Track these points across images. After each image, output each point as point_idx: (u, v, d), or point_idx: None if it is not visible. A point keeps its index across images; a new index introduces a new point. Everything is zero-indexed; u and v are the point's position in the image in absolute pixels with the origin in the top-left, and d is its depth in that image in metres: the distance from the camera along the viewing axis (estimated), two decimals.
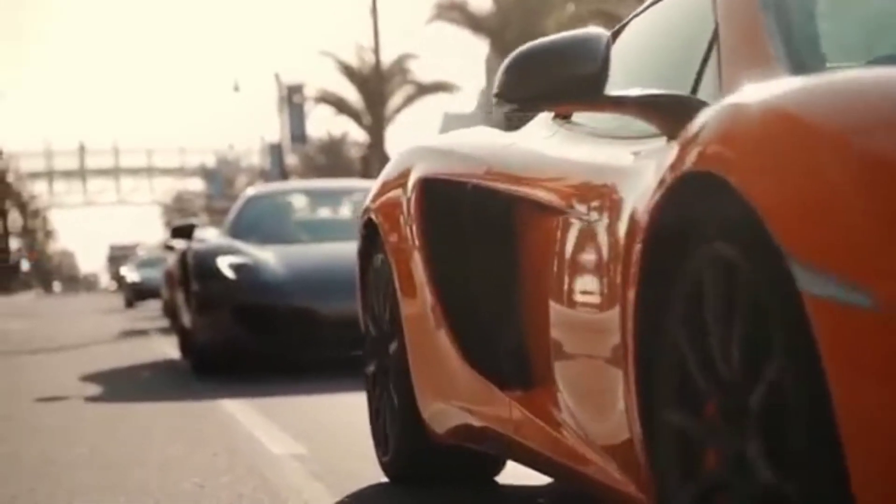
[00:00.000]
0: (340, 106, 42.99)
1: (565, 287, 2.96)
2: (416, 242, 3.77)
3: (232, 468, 4.79)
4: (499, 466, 4.08)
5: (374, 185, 4.34)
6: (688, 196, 2.24)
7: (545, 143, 3.46)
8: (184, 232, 10.72)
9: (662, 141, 2.69)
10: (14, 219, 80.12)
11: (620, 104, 2.82)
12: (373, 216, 4.18)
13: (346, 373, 8.82)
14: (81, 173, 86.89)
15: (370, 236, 4.25)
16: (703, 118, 2.22)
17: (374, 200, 4.21)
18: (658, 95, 2.78)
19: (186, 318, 10.34)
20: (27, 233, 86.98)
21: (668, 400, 2.32)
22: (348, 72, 42.43)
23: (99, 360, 11.60)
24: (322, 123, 60.94)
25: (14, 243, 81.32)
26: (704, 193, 2.15)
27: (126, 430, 6.29)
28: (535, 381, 3.20)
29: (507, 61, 2.93)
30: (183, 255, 10.82)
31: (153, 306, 29.63)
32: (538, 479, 3.79)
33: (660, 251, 2.35)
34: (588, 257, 2.87)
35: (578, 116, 3.45)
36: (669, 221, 2.31)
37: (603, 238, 2.75)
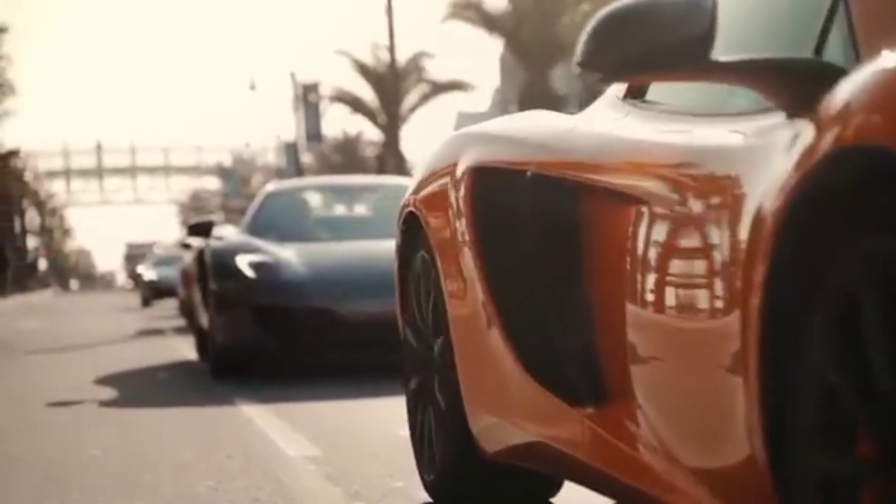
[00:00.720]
0: (355, 105, 43.00)
1: (649, 288, 2.57)
2: (467, 238, 3.36)
3: (246, 471, 4.76)
4: (555, 487, 3.67)
5: (415, 176, 3.95)
6: (838, 180, 1.88)
7: (618, 124, 3.04)
8: (201, 229, 10.41)
9: (778, 116, 2.28)
10: (31, 217, 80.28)
11: (732, 71, 2.37)
12: (415, 210, 3.75)
13: (363, 375, 8.82)
14: (98, 172, 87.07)
15: (411, 232, 3.84)
16: (850, 86, 1.86)
17: (416, 192, 3.79)
18: (783, 60, 2.34)
19: (204, 318, 10.10)
20: (44, 231, 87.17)
21: (807, 429, 1.95)
22: (363, 71, 42.44)
23: (114, 360, 11.59)
24: (337, 122, 60.99)
25: (31, 242, 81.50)
26: (860, 175, 1.82)
27: (139, 432, 6.26)
28: (608, 393, 2.79)
29: (592, 26, 2.50)
30: (200, 253, 10.59)
31: (169, 305, 29.63)
32: (601, 501, 3.32)
33: (798, 248, 1.96)
34: (683, 254, 2.48)
35: (654, 94, 3.07)
36: (811, 211, 1.93)
37: (709, 232, 2.34)
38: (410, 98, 41.51)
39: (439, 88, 41.65)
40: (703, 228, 2.38)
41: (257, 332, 8.79)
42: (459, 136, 3.69)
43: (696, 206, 2.44)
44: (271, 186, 11.63)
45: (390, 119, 39.96)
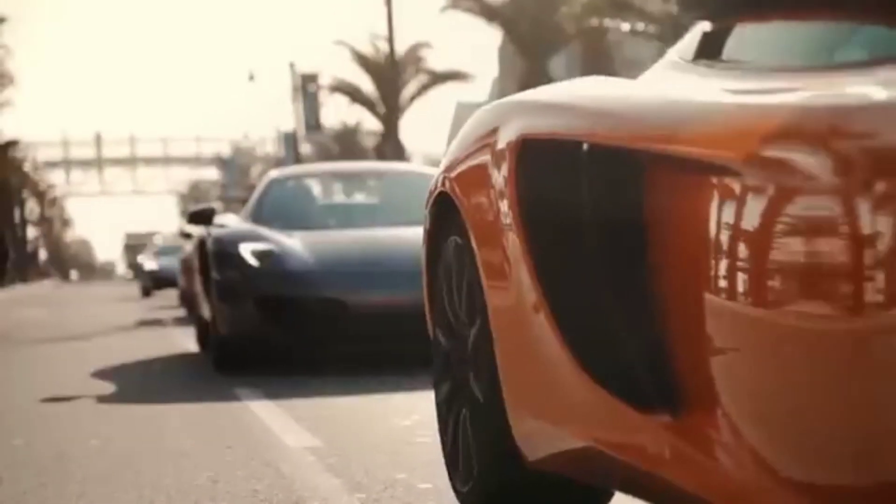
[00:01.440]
0: (354, 95, 42.99)
1: (740, 277, 2.15)
2: (511, 219, 2.90)
3: (246, 462, 4.74)
4: (606, 498, 3.26)
5: (448, 153, 3.45)
6: None
7: (694, 86, 2.60)
8: (202, 217, 10.02)
9: None
10: (31, 208, 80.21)
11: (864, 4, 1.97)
12: (448, 190, 3.32)
13: (364, 365, 8.80)
14: (98, 162, 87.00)
15: (443, 214, 3.39)
16: None
17: (449, 170, 3.35)
18: None
19: (205, 309, 9.81)
20: (44, 221, 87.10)
21: None
22: (362, 61, 42.43)
23: (113, 351, 11.57)
24: (336, 113, 60.92)
25: (31, 232, 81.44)
26: None
27: (139, 423, 6.24)
28: (684, 396, 2.34)
29: None
30: (201, 242, 10.26)
31: (169, 294, 29.62)
32: None
33: None
34: (787, 236, 2.04)
35: (734, 51, 2.68)
36: None
37: (823, 208, 1.93)
38: (409, 88, 41.46)
39: (438, 78, 41.62)
40: (816, 204, 1.96)
41: (261, 324, 8.50)
42: (500, 105, 3.22)
43: (800, 177, 2.01)
44: (275, 172, 11.19)
45: (389, 109, 39.90)
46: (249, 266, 8.57)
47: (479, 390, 3.14)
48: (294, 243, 8.77)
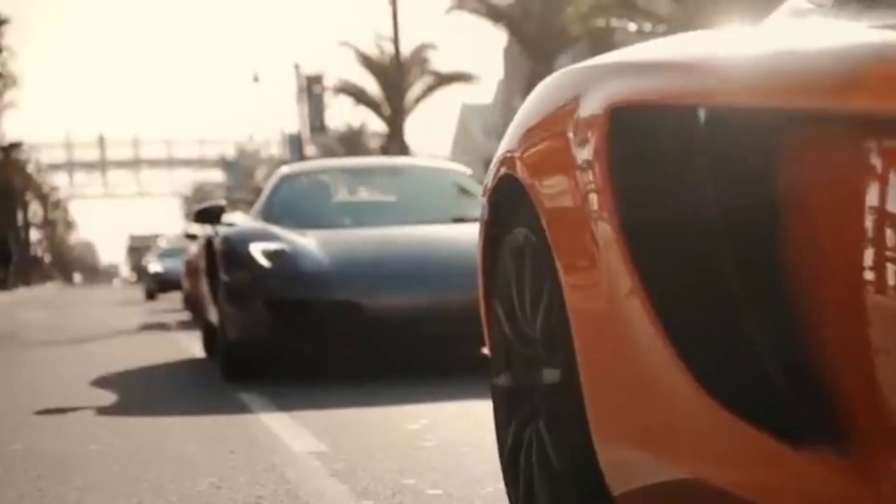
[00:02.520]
0: (359, 96, 42.92)
1: None
2: (601, 206, 2.32)
3: (250, 467, 4.61)
4: None
5: (511, 130, 2.87)
6: None
7: (845, 30, 2.07)
8: (210, 215, 9.39)
9: None
10: (34, 210, 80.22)
11: None
12: (515, 172, 2.75)
13: (371, 368, 8.68)
14: (102, 165, 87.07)
15: (507, 203, 2.84)
16: None
17: (515, 149, 2.77)
18: None
19: (212, 313, 9.29)
20: (48, 224, 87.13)
21: None
22: (367, 62, 42.37)
23: (116, 356, 11.45)
24: (341, 114, 60.86)
25: (35, 235, 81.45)
26: None
27: (141, 427, 6.12)
28: (842, 424, 1.82)
29: None
30: (208, 242, 9.69)
31: (173, 297, 29.52)
32: None
33: None
34: None
35: None
36: None
37: None
38: (414, 90, 41.37)
39: (443, 80, 41.53)
40: None
41: (273, 329, 7.90)
42: (580, 70, 2.63)
43: None
44: (286, 168, 10.44)
45: (394, 111, 39.82)
46: (260, 266, 8.01)
47: (557, 410, 2.61)
48: (307, 243, 8.22)
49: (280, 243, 8.16)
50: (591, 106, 2.40)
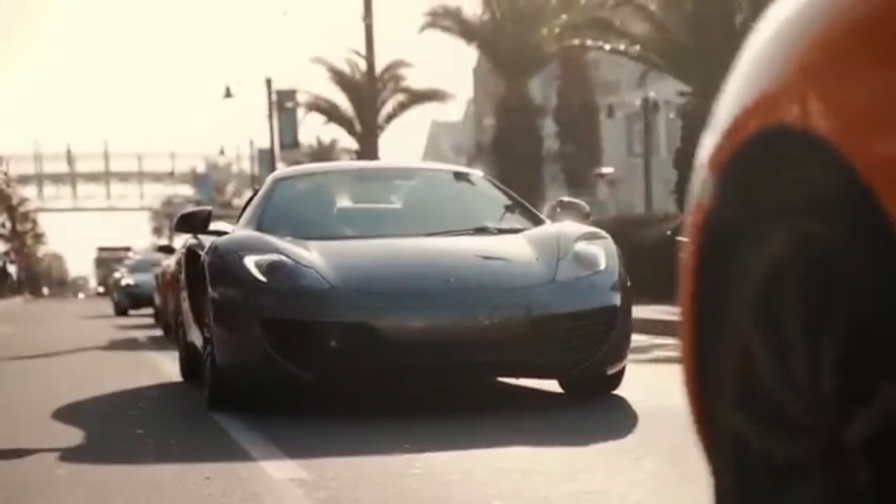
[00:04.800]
0: (331, 113, 42.75)
1: None
2: None
3: (227, 495, 4.49)
4: None
5: (770, 53, 1.59)
6: None
7: None
8: (194, 222, 8.22)
9: None
10: (2, 222, 79.63)
11: None
12: (808, 120, 1.46)
13: (354, 388, 8.48)
14: (71, 177, 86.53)
15: (762, 178, 1.64)
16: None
17: (794, 87, 1.51)
18: None
19: (194, 333, 8.35)
20: (16, 236, 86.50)
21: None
22: (340, 79, 42.20)
23: (83, 375, 11.26)
24: (313, 131, 60.72)
25: (1, 247, 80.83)
26: None
27: (111, 449, 5.97)
28: None
29: None
30: (189, 252, 8.76)
31: (142, 311, 29.22)
32: None
33: None
34: None
35: None
36: None
37: None
38: (387, 107, 41.25)
39: (417, 97, 41.42)
40: None
41: (269, 354, 6.76)
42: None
43: None
44: (280, 172, 9.36)
45: (365, 128, 39.67)
46: (255, 281, 6.92)
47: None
48: (309, 255, 7.13)
49: (278, 255, 7.08)
50: None
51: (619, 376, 7.34)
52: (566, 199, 8.70)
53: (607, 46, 24.69)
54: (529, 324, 6.78)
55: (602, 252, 7.27)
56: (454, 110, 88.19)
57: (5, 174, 75.02)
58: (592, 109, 46.27)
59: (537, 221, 8.14)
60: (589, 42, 25.40)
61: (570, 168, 39.86)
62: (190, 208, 8.85)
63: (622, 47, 24.29)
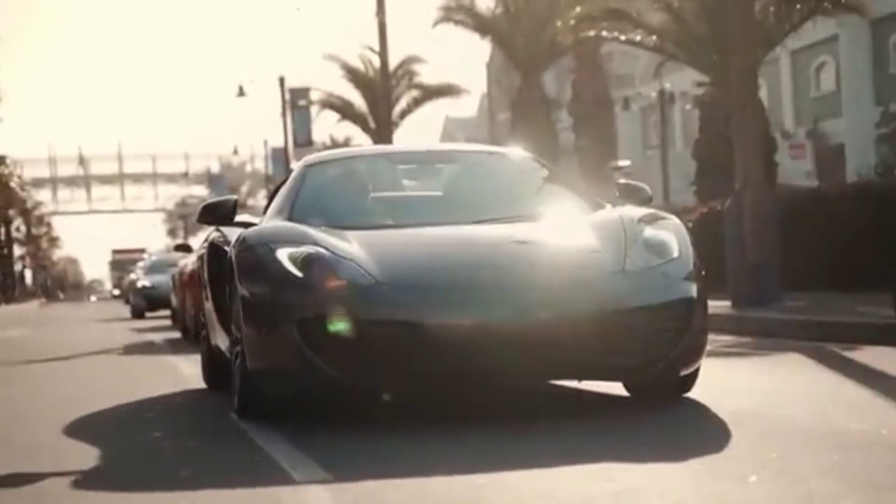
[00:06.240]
0: (345, 111, 42.59)
1: None
2: None
3: (250, 498, 4.29)
4: None
5: None
6: None
7: None
8: (220, 212, 7.50)
9: None
10: (17, 226, 79.71)
11: None
12: None
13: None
14: (85, 180, 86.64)
15: None
16: None
17: None
18: None
19: (219, 335, 7.71)
20: (31, 240, 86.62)
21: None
22: (353, 76, 42.03)
23: (98, 379, 11.10)
24: (327, 129, 60.60)
25: (18, 251, 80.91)
26: None
27: (131, 451, 5.78)
28: None
29: None
30: (213, 248, 8.12)
31: (159, 313, 29.10)
32: None
33: None
34: None
35: None
36: None
37: None
38: (401, 103, 41.07)
39: (430, 93, 41.22)
40: None
41: (306, 357, 6.02)
42: None
43: None
44: (311, 157, 8.39)
45: (379, 124, 39.48)
46: (290, 277, 6.17)
47: None
48: (349, 247, 6.38)
49: (314, 247, 6.32)
50: None
51: (692, 377, 6.57)
52: (624, 181, 7.77)
53: (623, 37, 24.43)
54: (597, 320, 5.93)
55: (674, 238, 6.47)
56: (468, 105, 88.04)
57: (19, 178, 75.06)
58: (607, 102, 46.07)
59: (595, 205, 7.32)
60: (604, 33, 25.14)
61: (587, 161, 39.56)
62: (216, 198, 7.92)
63: (638, 38, 24.04)
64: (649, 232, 6.48)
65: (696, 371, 6.55)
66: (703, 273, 6.50)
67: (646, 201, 7.41)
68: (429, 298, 5.98)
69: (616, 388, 6.86)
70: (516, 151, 8.64)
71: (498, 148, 9.23)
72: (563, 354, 5.99)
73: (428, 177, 8.14)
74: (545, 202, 7.38)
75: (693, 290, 6.29)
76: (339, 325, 5.96)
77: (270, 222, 7.21)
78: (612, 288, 6.06)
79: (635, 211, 6.91)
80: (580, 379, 6.56)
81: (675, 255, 6.36)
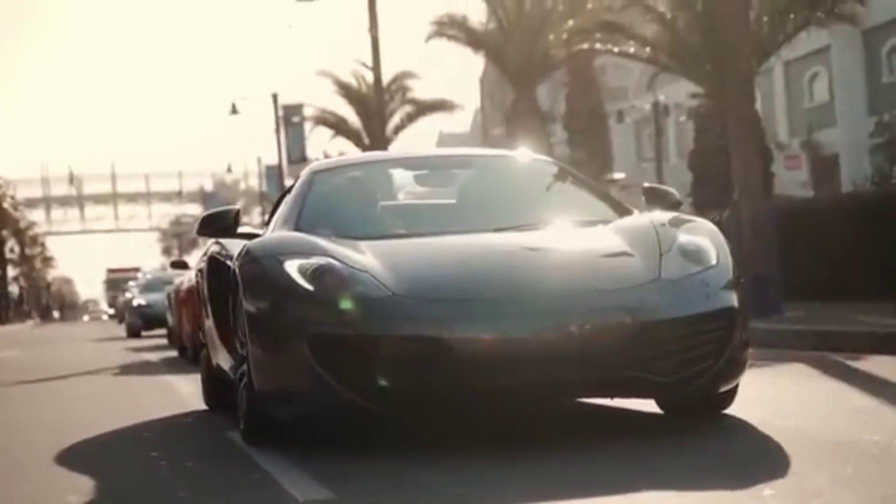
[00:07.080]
0: (338, 126, 42.55)
1: None
2: None
3: None
4: None
5: None
6: None
7: None
8: (221, 223, 7.10)
9: None
10: (11, 246, 79.56)
11: None
12: None
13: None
14: (79, 199, 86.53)
15: None
16: None
17: None
18: None
19: (221, 355, 7.32)
20: (25, 260, 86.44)
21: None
22: (346, 91, 42.00)
23: (100, 396, 10.99)
24: (320, 145, 60.50)
25: (12, 272, 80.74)
26: None
27: (125, 472, 5.66)
28: None
29: None
30: (213, 262, 7.70)
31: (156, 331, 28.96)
32: None
33: None
34: None
35: None
36: None
37: None
38: (395, 118, 41.04)
39: (424, 108, 41.21)
40: None
41: (319, 376, 5.52)
42: None
43: None
44: (317, 164, 7.94)
45: (373, 140, 39.41)
46: (300, 290, 5.69)
47: None
48: (362, 257, 5.91)
49: (325, 258, 5.84)
50: None
51: (732, 393, 6.16)
52: (649, 185, 7.23)
53: (616, 49, 24.40)
54: (632, 332, 5.45)
55: (710, 244, 6.02)
56: (462, 121, 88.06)
57: (12, 198, 74.93)
58: (601, 115, 46.10)
59: (622, 211, 6.88)
60: (598, 46, 25.11)
61: (582, 174, 39.66)
62: (217, 208, 7.49)
63: (632, 50, 24.00)
64: (684, 238, 6.03)
65: (736, 387, 6.15)
66: (742, 281, 6.12)
67: (675, 206, 6.98)
68: (450, 311, 5.48)
69: (644, 405, 6.43)
70: (532, 154, 8.19)
71: (512, 151, 8.72)
72: (596, 371, 5.48)
73: (442, 183, 7.69)
74: (569, 207, 6.97)
75: (734, 299, 5.85)
76: (353, 341, 5.51)
77: (276, 233, 6.82)
78: (648, 298, 5.58)
79: (666, 216, 6.47)
80: (614, 397, 6.13)
81: (714, 262, 5.91)
